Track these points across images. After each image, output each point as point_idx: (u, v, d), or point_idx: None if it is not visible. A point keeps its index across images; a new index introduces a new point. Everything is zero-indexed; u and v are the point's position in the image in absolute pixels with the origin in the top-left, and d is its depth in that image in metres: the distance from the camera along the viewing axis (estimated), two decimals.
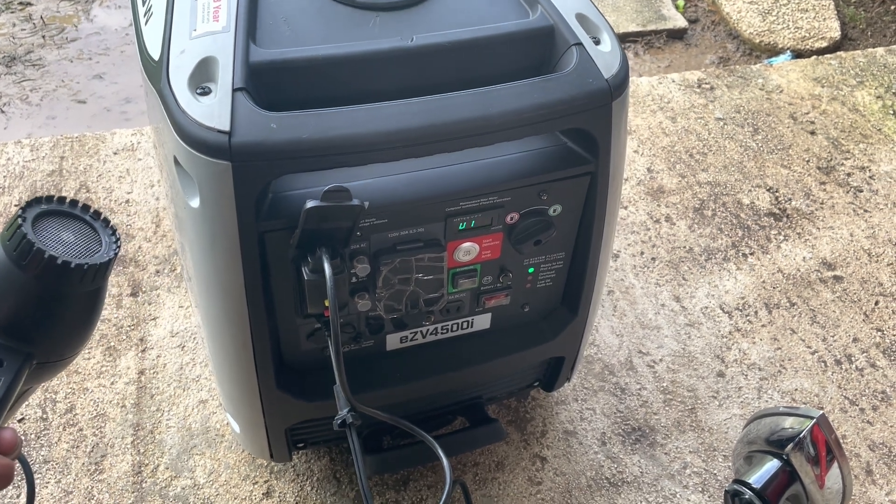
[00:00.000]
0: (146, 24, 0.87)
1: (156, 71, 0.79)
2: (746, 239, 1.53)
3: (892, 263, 1.49)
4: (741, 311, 1.39)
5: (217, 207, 0.75)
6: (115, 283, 1.35)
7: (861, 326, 1.37)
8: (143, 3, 0.90)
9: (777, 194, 1.63)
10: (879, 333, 1.36)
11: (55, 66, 2.09)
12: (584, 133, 0.85)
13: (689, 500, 1.11)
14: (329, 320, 0.79)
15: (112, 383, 1.20)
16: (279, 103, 0.77)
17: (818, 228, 1.56)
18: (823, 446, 0.91)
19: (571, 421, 1.20)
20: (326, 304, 0.81)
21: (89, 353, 1.24)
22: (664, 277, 1.44)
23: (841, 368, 1.31)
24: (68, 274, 0.55)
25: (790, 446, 0.92)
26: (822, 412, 0.91)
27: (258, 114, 0.73)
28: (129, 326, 1.28)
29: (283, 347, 0.91)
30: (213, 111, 0.73)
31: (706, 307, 1.39)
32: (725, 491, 0.96)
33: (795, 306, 1.40)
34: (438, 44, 0.82)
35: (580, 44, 0.84)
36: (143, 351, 1.25)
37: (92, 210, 0.60)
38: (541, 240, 0.90)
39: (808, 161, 1.72)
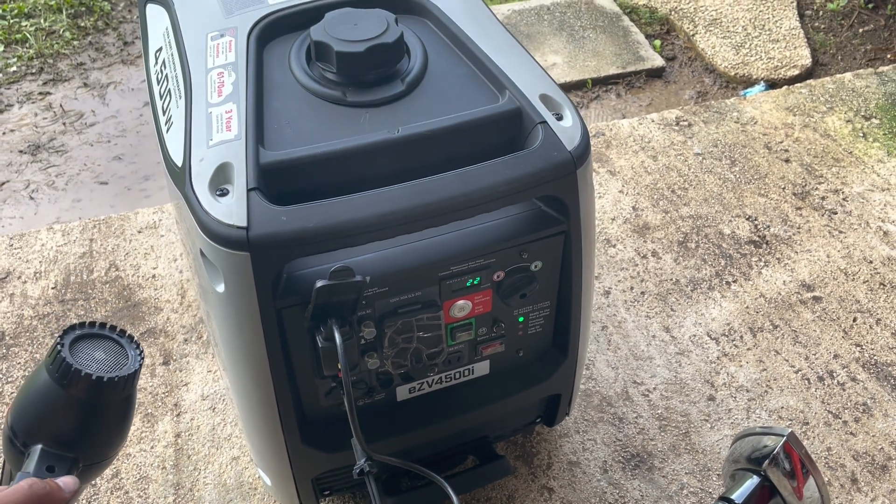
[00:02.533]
0: (167, 132, 1.00)
1: (180, 176, 0.91)
2: (729, 267, 1.63)
3: (867, 281, 1.59)
4: (727, 336, 1.49)
5: (239, 291, 0.87)
6: (149, 354, 1.47)
7: (841, 343, 1.47)
8: (164, 112, 1.03)
9: (756, 222, 1.74)
10: (858, 349, 1.46)
11: (77, 150, 2.24)
12: (555, 198, 0.97)
13: None
14: (342, 380, 0.91)
15: (152, 447, 1.32)
16: (288, 196, 0.90)
17: (796, 252, 1.66)
18: (798, 461, 1.01)
19: (574, 452, 1.30)
20: (340, 366, 0.93)
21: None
22: (654, 310, 1.54)
23: (823, 384, 1.40)
24: (102, 386, 0.66)
25: (766, 462, 1.02)
26: (790, 430, 1.01)
27: (270, 209, 0.85)
28: (163, 393, 1.40)
29: (304, 406, 1.02)
30: (231, 210, 0.85)
31: (694, 335, 1.49)
32: None
33: (778, 328, 1.50)
34: (421, 133, 0.94)
35: (544, 122, 0.96)
36: (178, 415, 1.36)
37: (118, 329, 0.72)
38: (526, 293, 1.02)
39: (783, 188, 1.83)
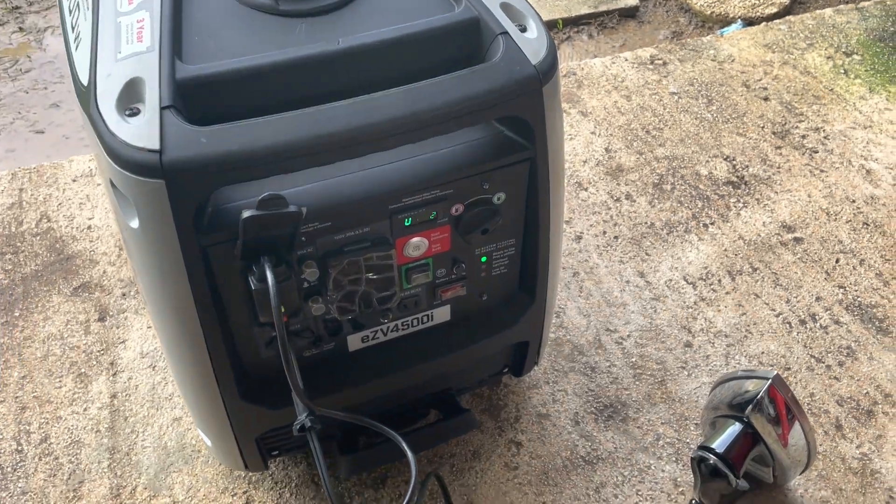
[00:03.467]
0: (76, 49, 0.87)
1: (86, 96, 0.79)
2: (706, 209, 1.54)
3: (850, 221, 1.51)
4: (705, 280, 1.41)
5: (156, 226, 0.76)
6: (83, 310, 1.35)
7: (823, 285, 1.39)
8: (73, 29, 0.90)
9: (734, 162, 1.65)
10: (842, 290, 1.39)
11: (10, 98, 2.08)
12: (519, 120, 0.86)
13: (663, 470, 1.13)
14: (275, 325, 0.80)
15: (85, 409, 1.21)
16: (210, 118, 0.78)
17: (776, 192, 1.58)
18: (783, 405, 0.93)
19: (544, 404, 1.22)
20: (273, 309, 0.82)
21: (60, 381, 1.24)
22: (627, 255, 1.45)
23: (806, 328, 1.32)
24: None
25: (749, 408, 0.94)
26: (776, 372, 0.93)
27: (187, 130, 0.74)
28: (98, 352, 1.29)
29: (243, 358, 0.92)
30: (142, 131, 0.73)
31: (670, 280, 1.41)
32: (691, 458, 0.98)
33: (758, 271, 1.42)
34: (366, 44, 0.82)
35: (505, 33, 0.85)
36: (115, 374, 1.25)
37: None
38: (488, 228, 0.91)
39: (762, 127, 1.74)
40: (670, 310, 1.36)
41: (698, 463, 0.96)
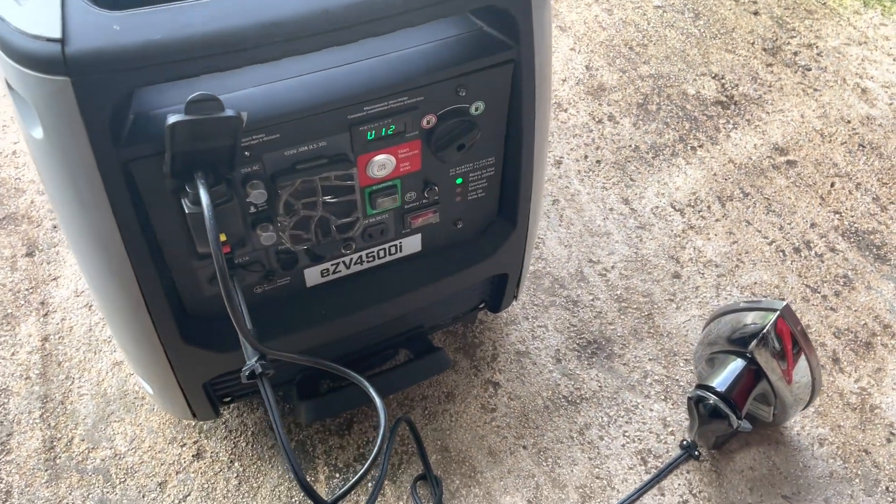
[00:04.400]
0: None
1: None
2: (694, 131, 1.44)
3: (845, 142, 1.42)
4: (693, 207, 1.31)
5: (64, 136, 0.62)
6: (8, 244, 1.20)
7: (818, 210, 1.31)
8: None
9: (723, 81, 1.54)
10: (837, 216, 1.30)
11: None
12: (501, 12, 0.73)
13: (651, 409, 1.05)
14: (212, 254, 0.68)
15: (13, 354, 1.08)
16: (122, 3, 0.64)
17: (767, 113, 1.47)
18: (789, 339, 0.84)
19: (523, 341, 1.12)
20: (223, 238, 0.70)
21: None
22: (611, 180, 1.34)
23: (800, 256, 1.24)
24: None
25: (754, 343, 0.85)
26: (785, 303, 0.84)
27: (95, 14, 0.60)
28: (27, 290, 1.15)
29: (182, 295, 0.79)
30: (38, 15, 0.59)
31: (657, 207, 1.31)
32: (689, 398, 0.90)
33: (749, 196, 1.32)
34: None
35: None
36: (46, 315, 1.12)
37: None
38: (464, 144, 0.79)
39: (752, 43, 1.62)
40: (657, 239, 1.26)
41: (696, 403, 0.87)
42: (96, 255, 0.71)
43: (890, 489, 0.97)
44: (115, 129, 0.63)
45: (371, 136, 0.75)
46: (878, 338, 1.14)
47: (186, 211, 0.66)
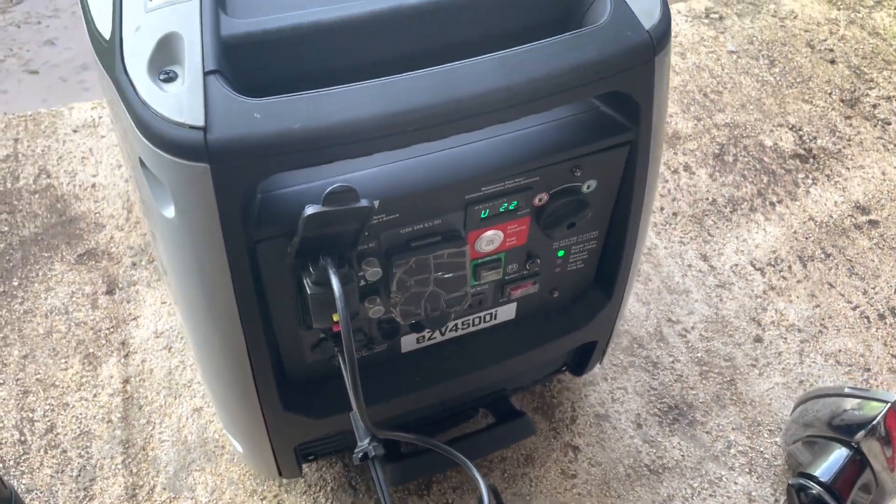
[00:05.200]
0: None
1: (108, 53, 0.64)
2: (773, 185, 1.41)
3: None
4: (774, 266, 1.28)
5: (196, 217, 0.62)
6: (89, 281, 1.22)
7: None
8: None
9: (801, 133, 1.51)
10: None
11: (1, 32, 1.90)
12: (624, 96, 0.72)
13: (736, 482, 1.03)
14: (339, 334, 0.68)
15: (94, 396, 1.09)
16: (261, 86, 0.64)
17: (847, 168, 1.45)
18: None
19: (602, 403, 1.10)
20: (335, 317, 0.69)
21: (66, 362, 1.12)
22: (688, 234, 1.33)
23: (885, 324, 1.21)
24: None
25: (862, 433, 0.83)
26: (895, 396, 0.82)
27: (237, 101, 0.60)
28: (107, 329, 1.16)
29: (284, 362, 0.79)
30: (181, 102, 0.59)
31: (736, 265, 1.28)
32: (789, 485, 0.87)
33: (831, 257, 1.30)
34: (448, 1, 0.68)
35: None
36: (126, 356, 1.13)
37: None
38: (575, 222, 0.78)
39: (830, 94, 1.60)
40: (737, 299, 1.24)
41: (797, 491, 0.85)
42: (211, 325, 0.71)
43: None
44: (246, 211, 0.63)
45: (484, 214, 0.74)
46: None
47: (308, 291, 0.66)
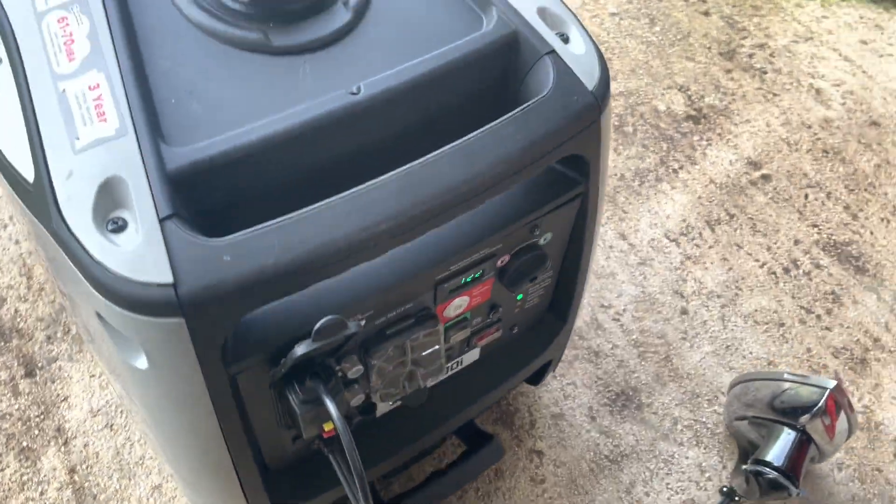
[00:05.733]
0: None
1: (36, 200, 0.58)
2: (672, 151, 1.47)
3: (810, 150, 1.49)
4: (686, 235, 1.36)
5: (173, 367, 0.59)
6: (2, 365, 1.12)
7: (798, 226, 1.38)
8: None
9: (689, 93, 1.57)
10: (816, 230, 1.38)
11: None
12: (575, 156, 0.72)
13: (687, 457, 1.11)
14: (331, 439, 0.67)
15: (41, 494, 1.02)
16: (216, 211, 0.60)
17: (735, 125, 1.53)
18: (835, 409, 0.90)
19: (556, 402, 1.15)
20: (326, 427, 0.68)
21: (0, 461, 1.04)
22: (605, 215, 1.37)
23: (790, 276, 1.31)
24: None
25: (807, 416, 0.91)
26: (836, 383, 0.90)
27: (203, 246, 0.56)
28: (37, 417, 1.08)
29: (266, 459, 0.78)
30: (142, 257, 0.55)
31: (653, 239, 1.35)
32: (747, 472, 0.95)
33: (735, 218, 1.38)
34: (390, 87, 0.65)
35: (553, 51, 0.70)
36: (66, 443, 1.06)
37: None
38: (536, 276, 0.79)
39: (709, 48, 1.66)
40: (659, 273, 1.30)
41: (755, 476, 0.93)
42: (192, 449, 0.69)
43: None
44: (224, 349, 0.60)
45: (452, 288, 0.74)
46: (871, 353, 1.23)
47: (298, 411, 0.64)
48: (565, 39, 0.72)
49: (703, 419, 1.15)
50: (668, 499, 1.07)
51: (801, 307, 1.28)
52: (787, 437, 0.92)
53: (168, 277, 0.54)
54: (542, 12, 0.72)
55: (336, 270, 0.60)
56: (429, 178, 0.62)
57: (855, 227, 1.39)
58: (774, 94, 1.58)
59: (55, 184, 0.57)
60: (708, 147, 1.49)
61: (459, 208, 0.64)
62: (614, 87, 1.57)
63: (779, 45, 1.68)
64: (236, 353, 0.61)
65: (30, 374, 1.12)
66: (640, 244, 1.34)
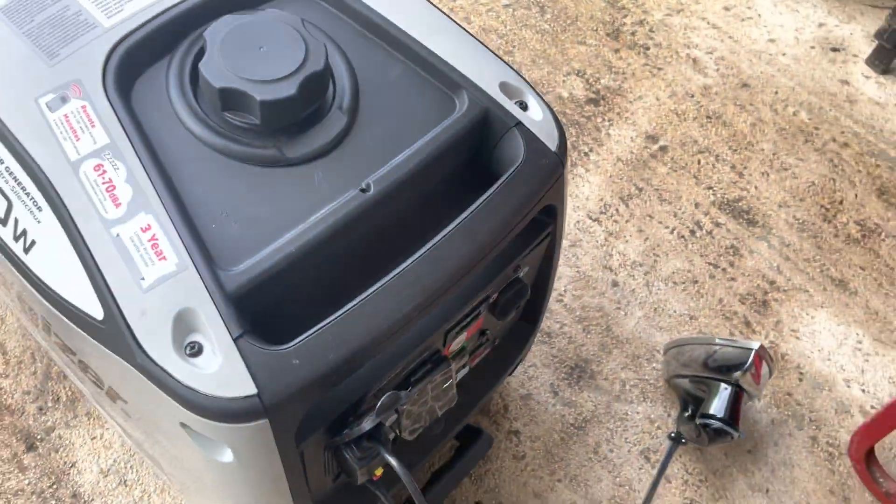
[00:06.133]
0: (27, 253, 0.70)
1: (110, 337, 0.65)
2: (581, 136, 1.63)
3: (696, 117, 1.69)
4: (605, 213, 1.52)
5: (256, 458, 0.69)
6: (2, 444, 1.16)
7: (696, 190, 1.57)
8: (2, 222, 0.71)
9: (586, 77, 1.72)
10: (710, 191, 1.58)
11: None
12: (547, 206, 0.85)
13: (637, 412, 1.30)
14: (380, 481, 0.79)
15: None
16: (266, 320, 0.69)
17: (630, 102, 1.69)
18: (759, 361, 1.10)
19: (522, 385, 1.30)
20: (377, 472, 0.80)
21: None
22: None
23: (696, 237, 1.51)
24: None
25: (739, 373, 1.10)
26: (760, 343, 1.09)
27: (275, 356, 0.65)
28: (50, 487, 1.13)
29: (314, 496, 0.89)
30: (227, 377, 0.64)
31: (578, 221, 1.50)
32: (696, 425, 1.14)
33: (643, 191, 1.56)
34: (398, 181, 0.75)
35: (520, 123, 0.81)
36: None
37: None
38: (520, 305, 0.93)
39: (596, 30, 1.81)
40: (588, 252, 1.47)
41: (703, 428, 1.12)
42: None
43: (812, 420, 1.31)
44: (297, 432, 0.70)
45: (457, 332, 0.86)
46: (770, 294, 1.46)
47: (357, 468, 0.75)
48: (524, 107, 0.84)
49: (646, 377, 1.34)
50: (629, 451, 1.26)
51: (709, 263, 1.48)
52: (724, 392, 1.11)
53: (252, 389, 0.64)
54: (504, 86, 0.83)
55: (381, 350, 0.71)
56: (443, 259, 0.73)
57: (742, 184, 1.60)
58: (658, 69, 1.76)
59: (131, 322, 0.64)
60: (611, 127, 1.65)
61: (469, 275, 0.76)
62: None
63: (656, 20, 1.85)
64: (304, 433, 0.72)
65: (31, 447, 1.16)
66: (568, 228, 1.49)
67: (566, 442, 1.26)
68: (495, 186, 0.77)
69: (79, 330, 0.68)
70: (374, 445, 0.74)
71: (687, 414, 1.22)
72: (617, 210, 1.53)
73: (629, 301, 1.42)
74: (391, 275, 0.71)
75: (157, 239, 0.66)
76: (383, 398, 0.69)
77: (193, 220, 0.69)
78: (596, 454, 1.25)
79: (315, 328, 0.67)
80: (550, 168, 0.81)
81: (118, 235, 0.66)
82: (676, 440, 1.23)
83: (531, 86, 0.86)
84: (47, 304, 0.67)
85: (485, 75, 0.82)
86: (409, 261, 0.72)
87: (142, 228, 0.66)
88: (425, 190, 0.78)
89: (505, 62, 0.86)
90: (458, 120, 0.80)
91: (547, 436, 1.26)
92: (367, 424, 0.69)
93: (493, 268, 0.84)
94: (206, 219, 0.69)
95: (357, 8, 0.82)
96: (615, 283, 1.44)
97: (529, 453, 1.24)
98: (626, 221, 1.52)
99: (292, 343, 0.66)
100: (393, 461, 0.73)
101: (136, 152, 0.68)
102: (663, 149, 1.63)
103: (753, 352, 1.08)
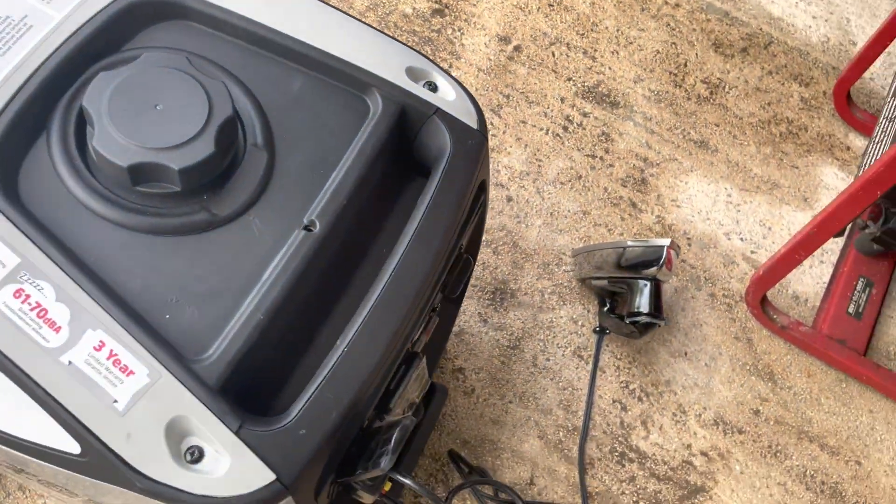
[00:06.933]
0: None
1: (96, 467, 0.60)
2: (436, 52, 1.58)
3: (539, 8, 1.68)
4: None
5: None
6: None
7: (558, 84, 1.60)
8: None
9: None
10: (571, 82, 1.61)
11: None
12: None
13: (561, 317, 1.37)
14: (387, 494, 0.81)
15: None
16: (258, 387, 0.66)
17: (474, 5, 1.65)
18: (670, 253, 1.18)
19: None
20: (385, 487, 0.81)
21: None
22: None
23: (569, 132, 1.55)
24: None
25: (655, 269, 1.18)
26: (670, 240, 1.16)
27: (282, 435, 0.63)
28: None
29: None
30: (240, 473, 0.61)
31: None
32: (627, 322, 1.22)
33: (510, 98, 1.56)
34: (339, 208, 0.71)
35: (438, 109, 0.78)
36: None
37: None
38: (468, 279, 0.93)
39: None
40: None
41: (634, 323, 1.20)
42: None
43: (707, 279, 1.44)
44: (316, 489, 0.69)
45: (422, 329, 0.85)
46: (646, 171, 1.54)
47: (370, 493, 0.76)
48: (433, 87, 0.80)
49: (560, 282, 1.40)
50: (563, 355, 1.34)
51: (587, 155, 1.54)
52: (645, 289, 1.19)
53: (270, 476, 0.61)
54: (410, 71, 0.79)
55: (377, 388, 0.70)
56: (409, 277, 0.71)
57: (597, 68, 1.64)
58: None
59: (117, 450, 0.59)
60: (463, 37, 1.61)
61: (436, 278, 0.75)
62: (359, 3, 1.60)
63: None
64: (320, 487, 0.70)
65: None
66: None
67: (507, 364, 1.31)
68: (435, 185, 0.75)
69: (56, 468, 0.61)
70: (392, 476, 0.74)
71: (606, 308, 1.30)
72: (492, 123, 1.53)
73: (526, 212, 1.46)
74: (366, 310, 0.69)
75: (116, 354, 0.59)
76: (395, 434, 0.69)
77: (145, 318, 0.62)
78: (535, 367, 1.32)
79: (310, 391, 0.65)
80: (477, 147, 0.79)
81: (70, 363, 0.59)
82: (601, 333, 1.32)
83: (436, 64, 0.82)
84: (14, 451, 0.60)
85: (389, 66, 0.78)
86: (377, 289, 0.70)
87: (94, 347, 0.59)
88: (367, 205, 0.75)
89: (405, 44, 0.81)
90: (377, 124, 0.75)
91: (488, 364, 1.31)
92: (387, 464, 0.69)
93: (446, 255, 0.83)
94: (158, 312, 0.63)
95: (235, 22, 0.73)
96: (510, 199, 1.46)
97: (477, 385, 1.29)
98: (503, 133, 1.53)
99: (293, 414, 0.64)
100: (411, 483, 0.74)
101: (56, 264, 0.59)
102: (517, 48, 1.62)
103: (665, 248, 1.15)
